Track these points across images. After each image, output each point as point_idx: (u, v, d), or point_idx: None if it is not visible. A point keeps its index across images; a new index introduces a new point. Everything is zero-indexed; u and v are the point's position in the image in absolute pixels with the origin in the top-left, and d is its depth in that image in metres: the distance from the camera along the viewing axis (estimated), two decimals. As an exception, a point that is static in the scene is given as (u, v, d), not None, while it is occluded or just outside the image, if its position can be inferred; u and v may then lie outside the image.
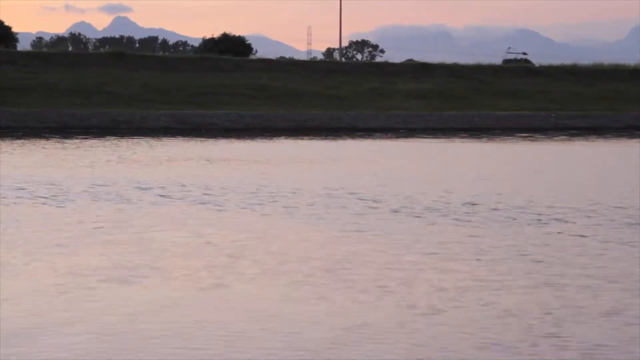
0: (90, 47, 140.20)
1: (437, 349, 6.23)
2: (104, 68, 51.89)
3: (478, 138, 36.73)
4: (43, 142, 29.65)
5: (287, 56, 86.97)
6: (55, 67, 50.97)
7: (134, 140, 31.88)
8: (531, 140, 33.97)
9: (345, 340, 6.31)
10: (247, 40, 69.44)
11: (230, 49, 62.31)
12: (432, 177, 18.57)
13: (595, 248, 10.38)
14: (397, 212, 13.09)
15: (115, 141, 30.81)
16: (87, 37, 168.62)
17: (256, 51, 74.41)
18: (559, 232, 11.35)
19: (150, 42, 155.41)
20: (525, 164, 22.79)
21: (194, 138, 33.74)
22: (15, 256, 8.83)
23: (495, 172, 19.65)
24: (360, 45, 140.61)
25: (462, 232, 11.31)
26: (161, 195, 14.53)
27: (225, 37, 67.21)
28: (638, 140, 35.75)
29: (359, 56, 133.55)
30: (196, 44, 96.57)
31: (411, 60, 73.66)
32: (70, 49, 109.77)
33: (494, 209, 13.32)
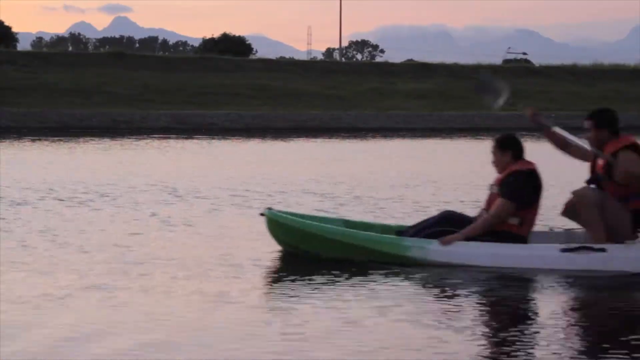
0: (90, 47, 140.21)
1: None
2: (104, 68, 51.89)
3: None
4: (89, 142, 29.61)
5: (287, 56, 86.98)
6: (55, 67, 50.96)
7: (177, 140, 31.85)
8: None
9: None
10: (247, 40, 69.47)
11: (230, 49, 62.32)
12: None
13: None
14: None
15: (170, 141, 30.79)
16: (87, 37, 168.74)
17: (256, 51, 74.45)
18: None
19: (150, 42, 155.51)
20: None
21: (243, 138, 33.75)
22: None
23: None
24: (360, 45, 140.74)
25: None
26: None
27: (225, 37, 67.25)
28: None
29: (359, 56, 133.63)
30: (196, 44, 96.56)
31: (411, 60, 73.68)
32: (70, 49, 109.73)
33: None
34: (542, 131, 8.73)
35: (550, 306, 6.98)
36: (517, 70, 63.09)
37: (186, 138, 33.47)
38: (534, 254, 8.13)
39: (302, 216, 9.21)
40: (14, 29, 64.56)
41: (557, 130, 8.62)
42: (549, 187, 9.34)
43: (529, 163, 8.41)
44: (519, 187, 8.21)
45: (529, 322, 6.61)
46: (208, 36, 69.31)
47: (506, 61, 74.78)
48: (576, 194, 8.26)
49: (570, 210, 8.34)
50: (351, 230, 8.75)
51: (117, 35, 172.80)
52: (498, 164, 8.46)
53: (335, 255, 8.48)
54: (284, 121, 44.38)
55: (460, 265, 8.14)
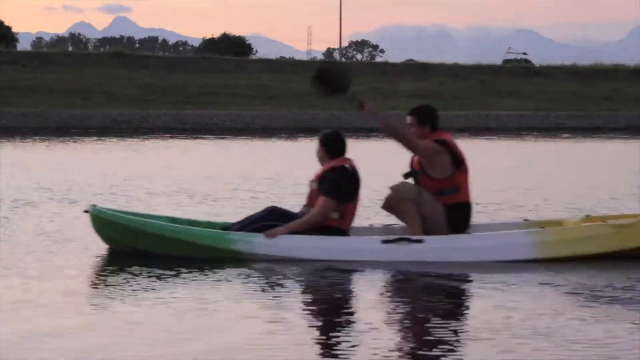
0: (90, 47, 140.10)
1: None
2: (104, 68, 51.89)
3: (546, 138, 36.71)
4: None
5: (287, 56, 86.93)
6: (55, 67, 50.96)
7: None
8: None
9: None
10: (247, 40, 69.47)
11: (230, 49, 62.33)
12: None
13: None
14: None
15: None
16: (87, 37, 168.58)
17: (256, 51, 74.42)
18: None
19: (150, 42, 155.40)
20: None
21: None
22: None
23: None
24: (360, 45, 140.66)
25: None
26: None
27: (225, 37, 67.26)
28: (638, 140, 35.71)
29: (359, 56, 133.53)
30: (196, 44, 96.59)
31: (411, 60, 73.64)
32: (70, 49, 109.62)
33: None
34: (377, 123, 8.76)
35: (372, 296, 7.23)
36: (517, 70, 63.09)
37: (193, 138, 33.48)
38: (355, 246, 8.39)
39: (128, 213, 9.13)
40: (14, 29, 64.63)
41: (388, 119, 8.84)
42: (377, 186, 9.52)
43: (347, 159, 8.67)
44: (338, 183, 8.48)
45: (352, 312, 6.84)
46: (208, 36, 69.43)
47: (506, 61, 74.71)
48: (394, 188, 8.63)
49: (389, 204, 8.70)
50: (177, 225, 8.74)
51: (117, 35, 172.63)
52: (320, 159, 8.77)
53: (162, 251, 8.48)
54: (284, 121, 44.41)
55: (285, 258, 8.32)
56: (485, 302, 6.98)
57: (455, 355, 5.63)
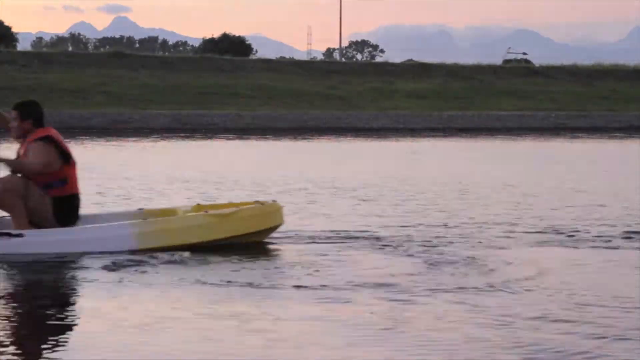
0: (90, 47, 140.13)
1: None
2: (104, 68, 51.88)
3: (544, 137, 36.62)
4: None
5: (287, 56, 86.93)
6: (55, 67, 50.96)
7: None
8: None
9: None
10: (247, 40, 69.48)
11: (230, 49, 62.33)
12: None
13: None
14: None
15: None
16: (87, 37, 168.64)
17: (256, 51, 74.42)
18: None
19: (150, 42, 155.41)
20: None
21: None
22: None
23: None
24: (360, 45, 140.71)
25: None
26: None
27: (225, 37, 67.25)
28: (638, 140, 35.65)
29: (359, 56, 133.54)
30: (196, 44, 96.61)
31: (411, 60, 73.61)
32: (70, 49, 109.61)
33: None
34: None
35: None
36: (517, 70, 63.08)
37: (203, 139, 33.42)
38: None
39: None
40: (14, 29, 64.56)
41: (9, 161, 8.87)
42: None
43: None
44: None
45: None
46: (208, 36, 69.40)
47: (506, 61, 74.73)
48: (1, 181, 8.69)
49: None
50: None
51: (117, 35, 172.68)
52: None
53: None
54: (284, 121, 44.40)
55: None
56: (94, 293, 7.04)
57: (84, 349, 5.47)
